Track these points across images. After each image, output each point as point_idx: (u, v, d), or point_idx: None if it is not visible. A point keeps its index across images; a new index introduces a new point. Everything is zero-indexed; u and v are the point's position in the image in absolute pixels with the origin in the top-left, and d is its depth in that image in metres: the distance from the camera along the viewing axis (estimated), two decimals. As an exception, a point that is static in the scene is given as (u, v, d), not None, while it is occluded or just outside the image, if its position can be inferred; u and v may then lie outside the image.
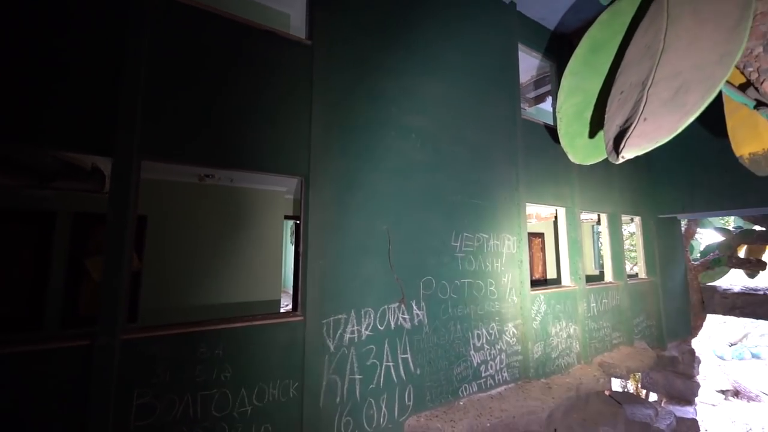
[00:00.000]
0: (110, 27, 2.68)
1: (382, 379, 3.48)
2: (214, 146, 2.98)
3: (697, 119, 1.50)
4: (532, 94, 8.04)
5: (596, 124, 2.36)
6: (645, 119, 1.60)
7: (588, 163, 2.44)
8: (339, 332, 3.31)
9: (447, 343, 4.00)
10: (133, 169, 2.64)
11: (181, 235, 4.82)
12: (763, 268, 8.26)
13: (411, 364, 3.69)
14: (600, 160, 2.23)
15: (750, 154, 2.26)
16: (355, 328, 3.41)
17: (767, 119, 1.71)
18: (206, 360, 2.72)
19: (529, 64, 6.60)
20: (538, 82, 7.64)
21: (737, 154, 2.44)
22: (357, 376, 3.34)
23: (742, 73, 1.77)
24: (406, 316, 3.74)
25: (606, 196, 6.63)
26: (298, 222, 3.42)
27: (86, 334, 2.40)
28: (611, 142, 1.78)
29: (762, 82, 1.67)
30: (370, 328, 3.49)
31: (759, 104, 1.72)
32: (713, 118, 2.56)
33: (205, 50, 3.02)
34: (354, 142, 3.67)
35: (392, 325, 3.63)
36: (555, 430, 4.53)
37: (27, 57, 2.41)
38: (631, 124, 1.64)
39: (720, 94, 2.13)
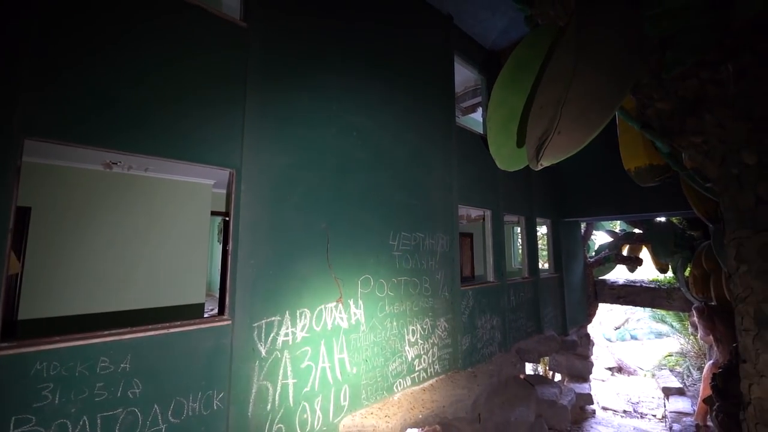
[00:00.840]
0: (-19, -29, 2.16)
1: (317, 382, 3.39)
2: (124, 127, 2.58)
3: (598, 135, 1.76)
4: (465, 104, 8.61)
5: (520, 134, 2.61)
6: (559, 132, 1.82)
7: (512, 170, 2.69)
8: (272, 335, 3.14)
9: (383, 340, 4.07)
10: (12, 149, 2.17)
11: (80, 232, 4.09)
12: (641, 264, 10.02)
13: (347, 364, 3.66)
14: (522, 167, 2.48)
15: (635, 167, 2.72)
16: (290, 330, 3.27)
17: (650, 139, 2.07)
18: (109, 375, 2.35)
19: (464, 76, 7.05)
20: (471, 94, 8.22)
21: (626, 167, 2.92)
22: (290, 381, 3.20)
23: (633, 99, 2.11)
24: (344, 316, 3.70)
25: (525, 202, 7.41)
26: (227, 218, 3.15)
27: (-65, 355, 1.90)
28: (532, 151, 1.98)
29: (645, 108, 2.02)
30: (305, 329, 3.38)
31: (644, 126, 2.08)
32: (610, 136, 3.02)
33: (116, 14, 2.60)
34: (293, 136, 3.51)
35: (329, 326, 3.56)
36: (479, 414, 4.91)
37: None
38: (548, 136, 1.85)
39: (615, 115, 2.52)
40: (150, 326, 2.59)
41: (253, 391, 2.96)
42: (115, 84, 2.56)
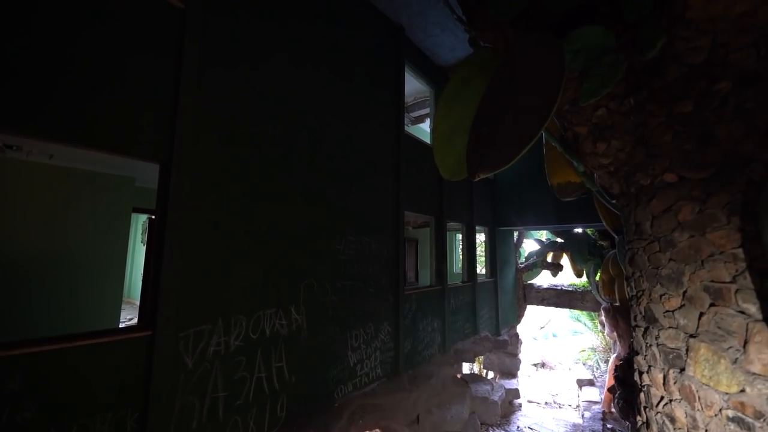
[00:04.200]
0: None
1: (251, 393, 3.19)
2: (19, 104, 2.20)
3: (530, 153, 1.94)
4: (415, 114, 8.92)
5: (462, 145, 2.77)
6: (495, 146, 1.97)
7: (455, 180, 2.85)
8: (201, 346, 2.88)
9: (325, 346, 3.98)
10: None
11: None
12: (561, 270, 11.21)
13: (286, 372, 3.50)
14: (464, 177, 2.63)
15: (557, 183, 3.05)
16: (222, 339, 3.04)
17: (568, 158, 2.33)
18: (-12, 400, 1.96)
19: (414, 87, 7.30)
20: (420, 104, 8.54)
21: (549, 183, 3.26)
22: (221, 394, 2.97)
23: (556, 122, 2.37)
24: (284, 322, 3.55)
25: (466, 210, 7.86)
26: (153, 217, 2.84)
27: None
28: (471, 162, 2.12)
29: (566, 131, 2.28)
30: (240, 337, 3.17)
31: (564, 147, 2.34)
32: (539, 153, 3.35)
33: (17, -23, 2.22)
34: (234, 130, 3.30)
35: (267, 333, 3.39)
36: (418, 415, 5.03)
37: None
38: (486, 148, 1.99)
39: (543, 135, 2.80)
40: (47, 339, 2.22)
41: (177, 408, 2.69)
42: (9, 50, 2.18)
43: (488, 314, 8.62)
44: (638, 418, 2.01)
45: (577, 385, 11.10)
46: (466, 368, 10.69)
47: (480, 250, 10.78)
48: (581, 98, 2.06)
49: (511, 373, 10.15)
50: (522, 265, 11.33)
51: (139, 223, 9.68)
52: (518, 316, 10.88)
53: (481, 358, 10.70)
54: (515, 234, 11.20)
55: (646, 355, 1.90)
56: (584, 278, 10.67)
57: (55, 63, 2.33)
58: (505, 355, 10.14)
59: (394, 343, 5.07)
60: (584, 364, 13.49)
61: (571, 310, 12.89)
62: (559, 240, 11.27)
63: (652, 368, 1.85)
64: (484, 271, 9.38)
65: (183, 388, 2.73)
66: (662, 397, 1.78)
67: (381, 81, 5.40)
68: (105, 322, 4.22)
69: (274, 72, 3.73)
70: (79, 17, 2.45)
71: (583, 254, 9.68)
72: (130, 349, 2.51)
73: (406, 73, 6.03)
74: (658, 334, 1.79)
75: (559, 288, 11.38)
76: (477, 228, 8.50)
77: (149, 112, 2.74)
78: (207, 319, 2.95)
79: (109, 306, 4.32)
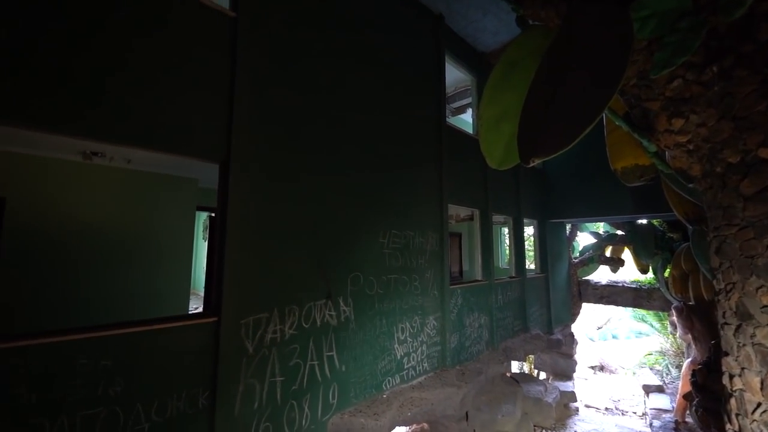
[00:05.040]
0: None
1: (305, 379, 3.35)
2: (101, 115, 2.47)
3: (584, 138, 1.78)
4: (455, 105, 8.69)
5: (511, 132, 2.64)
6: (550, 129, 1.84)
7: (503, 168, 2.71)
8: (260, 332, 3.08)
9: (373, 338, 4.05)
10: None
11: (57, 225, 3.93)
12: (623, 265, 10.28)
13: (336, 362, 3.63)
14: (512, 166, 2.50)
15: (622, 167, 2.78)
16: (278, 327, 3.22)
17: (637, 139, 2.12)
18: (89, 373, 2.26)
19: (454, 76, 7.10)
20: (460, 94, 8.29)
21: (612, 167, 2.98)
22: (278, 378, 3.15)
23: (621, 99, 2.16)
24: (333, 313, 3.67)
25: (512, 202, 7.51)
26: (213, 214, 3.07)
27: None
28: (523, 148, 2.00)
29: (633, 108, 2.07)
30: (294, 326, 3.33)
31: (631, 126, 2.13)
32: (595, 139, 3.08)
33: None
34: (284, 129, 3.45)
35: (318, 323, 3.52)
36: (467, 412, 4.94)
37: None
38: (540, 132, 1.87)
39: (603, 116, 2.57)
40: (130, 322, 2.50)
41: (240, 389, 2.90)
42: (94, 69, 2.47)
43: (539, 311, 8.19)
44: (728, 426, 1.78)
45: (643, 392, 10.15)
46: (515, 367, 10.27)
47: (528, 244, 10.25)
48: (652, 70, 1.84)
49: (566, 375, 9.54)
50: (576, 260, 10.57)
51: (200, 221, 10.56)
52: (573, 315, 10.18)
53: (533, 357, 10.20)
54: (567, 227, 10.47)
55: (738, 357, 1.67)
56: (650, 274, 9.69)
57: (129, 77, 2.60)
58: (559, 355, 9.56)
59: (440, 337, 5.02)
60: (651, 369, 12.29)
61: (635, 309, 11.81)
62: (619, 232, 10.35)
63: (745, 371, 1.62)
64: (533, 266, 8.91)
65: (245, 371, 2.94)
66: (759, 404, 1.55)
67: (421, 72, 5.32)
68: (176, 309, 4.67)
69: (315, 69, 3.84)
70: (155, 40, 2.71)
71: (649, 248, 8.78)
72: (200, 333, 2.76)
73: (446, 63, 5.88)
74: (754, 332, 1.56)
75: (620, 285, 10.47)
76: (525, 221, 8.08)
77: (209, 117, 2.96)
78: (264, 308, 3.14)
79: (179, 295, 4.78)
